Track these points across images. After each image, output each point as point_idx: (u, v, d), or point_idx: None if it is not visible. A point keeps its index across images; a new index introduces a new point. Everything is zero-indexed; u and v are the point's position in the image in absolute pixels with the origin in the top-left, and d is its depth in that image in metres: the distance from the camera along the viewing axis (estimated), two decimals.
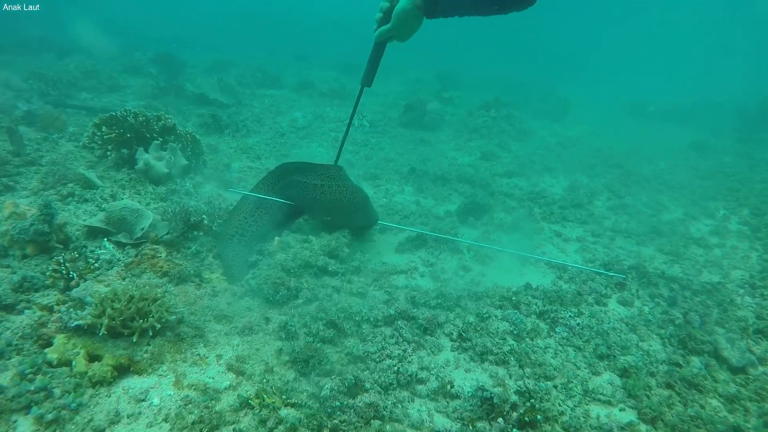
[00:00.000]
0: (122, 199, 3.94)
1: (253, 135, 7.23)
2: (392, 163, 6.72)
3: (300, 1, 30.07)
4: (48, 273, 2.83)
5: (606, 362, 2.96)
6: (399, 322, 2.98)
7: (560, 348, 3.04)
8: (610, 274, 3.99)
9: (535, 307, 3.40)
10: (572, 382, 2.73)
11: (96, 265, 2.99)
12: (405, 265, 3.90)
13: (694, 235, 5.27)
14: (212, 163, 5.31)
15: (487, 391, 2.39)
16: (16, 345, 2.35)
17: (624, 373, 2.85)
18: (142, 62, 10.60)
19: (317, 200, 3.75)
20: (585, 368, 2.89)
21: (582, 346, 3.07)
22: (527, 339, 3.08)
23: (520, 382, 2.64)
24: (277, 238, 3.78)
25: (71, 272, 2.81)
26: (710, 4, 30.47)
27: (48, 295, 2.76)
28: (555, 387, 2.67)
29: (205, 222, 3.53)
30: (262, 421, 2.11)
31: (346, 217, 3.86)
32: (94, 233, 3.37)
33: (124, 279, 2.97)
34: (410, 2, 2.28)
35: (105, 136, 4.45)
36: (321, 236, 3.72)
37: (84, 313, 2.40)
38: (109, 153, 4.48)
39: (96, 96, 8.25)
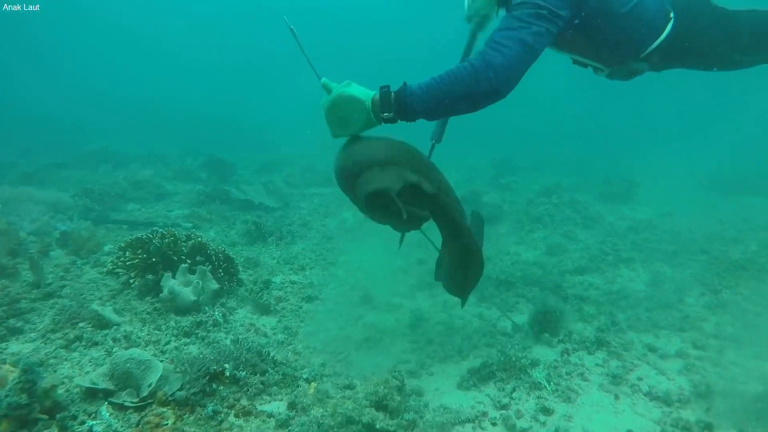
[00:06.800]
0: (138, 338, 3.38)
1: (299, 241, 6.72)
2: None
3: None
4: None
5: None
6: None
7: None
8: None
9: None
10: None
11: None
12: (470, 409, 3.01)
13: None
14: (250, 281, 4.76)
15: None
16: None
17: None
18: (192, 167, 10.68)
19: None
20: None
21: None
22: None
23: None
24: (313, 383, 3.05)
25: None
26: None
27: None
28: None
29: (227, 372, 2.85)
30: None
31: None
32: (93, 393, 2.76)
33: None
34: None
35: (128, 262, 4.00)
36: (368, 380, 2.95)
37: None
38: (132, 280, 4.01)
39: (143, 206, 8.14)
